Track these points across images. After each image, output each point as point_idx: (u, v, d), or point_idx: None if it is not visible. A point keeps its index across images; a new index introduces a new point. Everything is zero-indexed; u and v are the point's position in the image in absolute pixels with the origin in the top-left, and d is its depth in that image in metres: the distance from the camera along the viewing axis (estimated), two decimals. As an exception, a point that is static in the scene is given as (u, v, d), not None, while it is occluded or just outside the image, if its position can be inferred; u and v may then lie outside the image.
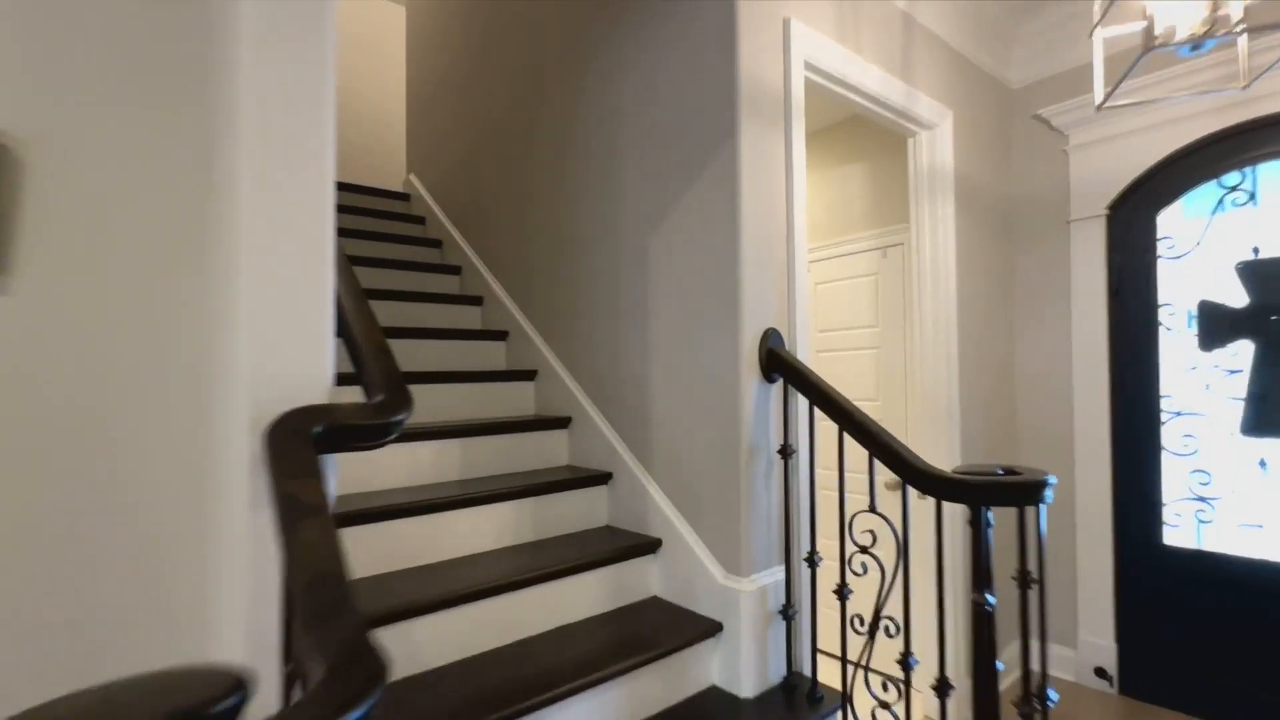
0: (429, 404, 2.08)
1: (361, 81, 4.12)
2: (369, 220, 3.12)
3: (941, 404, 2.29)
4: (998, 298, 2.61)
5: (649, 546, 1.73)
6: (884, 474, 2.61)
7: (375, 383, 0.82)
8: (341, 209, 3.04)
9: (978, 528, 1.19)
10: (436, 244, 3.08)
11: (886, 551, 2.34)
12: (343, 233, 2.82)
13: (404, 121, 4.01)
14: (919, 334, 2.36)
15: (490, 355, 2.47)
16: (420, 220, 3.28)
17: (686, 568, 1.66)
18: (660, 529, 1.76)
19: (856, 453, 2.74)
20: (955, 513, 2.25)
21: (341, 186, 3.32)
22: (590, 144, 2.08)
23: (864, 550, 1.41)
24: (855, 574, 1.44)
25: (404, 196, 3.50)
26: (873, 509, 1.38)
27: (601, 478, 1.92)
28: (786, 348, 1.65)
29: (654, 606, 1.68)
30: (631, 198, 1.90)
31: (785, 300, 1.68)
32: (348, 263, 1.10)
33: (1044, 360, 2.63)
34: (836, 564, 2.90)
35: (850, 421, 1.36)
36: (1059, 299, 2.60)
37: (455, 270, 2.88)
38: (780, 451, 1.57)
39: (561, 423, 2.11)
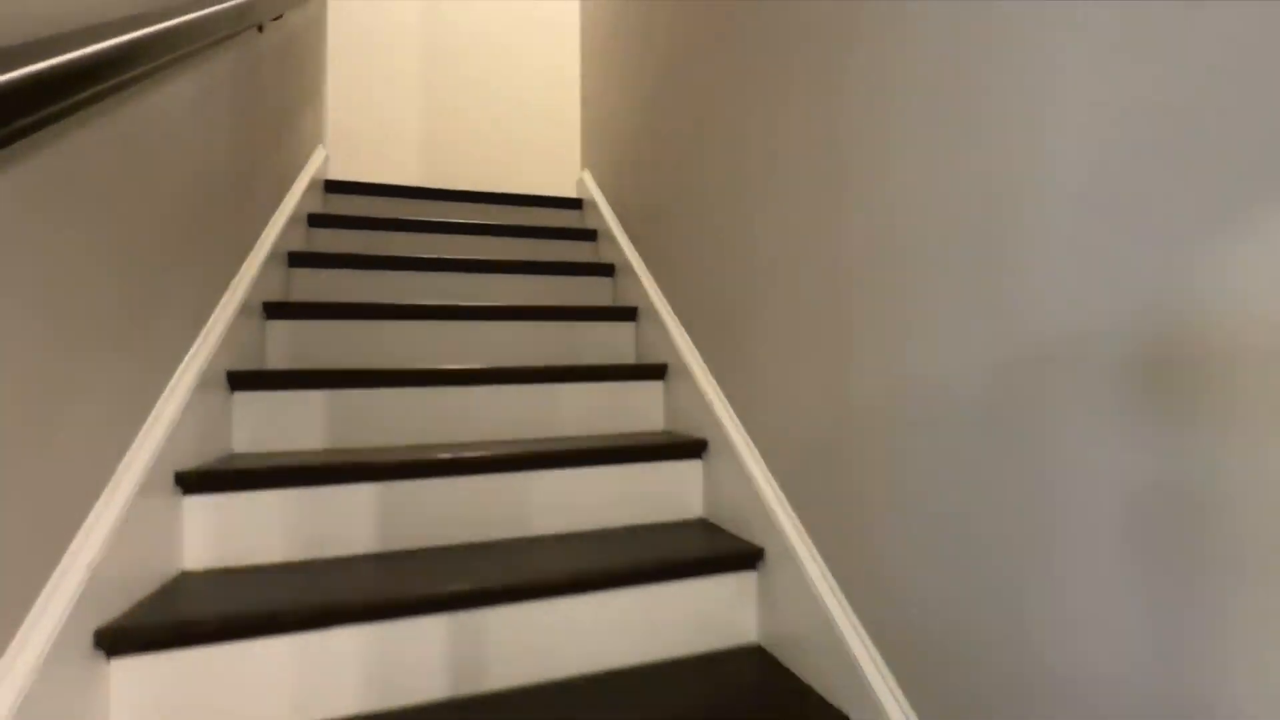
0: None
1: (532, 65, 3.31)
2: (520, 247, 2.22)
3: None
4: None
5: None
6: None
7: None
8: (489, 231, 2.18)
9: None
10: (609, 271, 2.05)
11: None
12: (491, 267, 1.91)
13: (578, 105, 3.09)
14: None
15: (667, 480, 1.34)
16: (591, 235, 2.29)
17: None
18: None
19: None
20: None
21: (497, 199, 2.48)
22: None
23: None
24: None
25: (575, 203, 2.55)
26: None
27: None
28: None
29: None
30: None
31: None
32: None
33: None
34: None
35: None
36: None
37: (630, 315, 1.81)
38: None
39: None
